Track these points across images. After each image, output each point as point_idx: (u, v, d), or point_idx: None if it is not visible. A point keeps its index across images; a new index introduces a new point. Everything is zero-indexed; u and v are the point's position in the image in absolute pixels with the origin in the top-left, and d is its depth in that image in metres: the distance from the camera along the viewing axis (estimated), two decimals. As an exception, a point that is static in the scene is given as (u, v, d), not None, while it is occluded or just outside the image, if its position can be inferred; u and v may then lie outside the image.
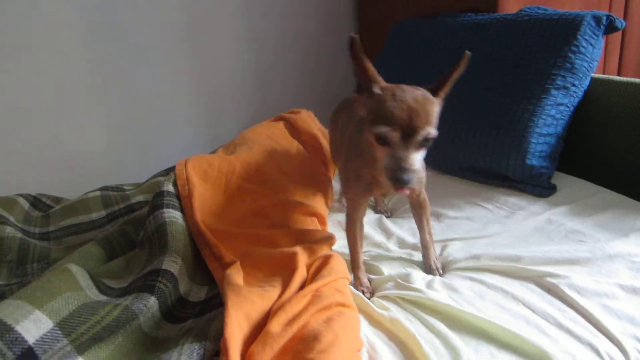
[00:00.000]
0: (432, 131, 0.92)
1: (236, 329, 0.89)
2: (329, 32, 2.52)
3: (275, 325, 0.88)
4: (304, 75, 2.50)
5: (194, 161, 1.47)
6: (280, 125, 1.83)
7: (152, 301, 0.97)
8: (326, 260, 1.08)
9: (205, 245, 1.18)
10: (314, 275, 1.04)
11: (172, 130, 2.20)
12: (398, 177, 0.90)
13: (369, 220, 1.44)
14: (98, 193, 1.57)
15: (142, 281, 1.03)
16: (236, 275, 1.04)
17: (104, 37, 1.95)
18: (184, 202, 1.30)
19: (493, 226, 1.34)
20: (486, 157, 1.54)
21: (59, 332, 0.86)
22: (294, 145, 1.76)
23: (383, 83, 0.97)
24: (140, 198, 1.55)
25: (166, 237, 1.13)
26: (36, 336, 0.84)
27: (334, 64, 2.53)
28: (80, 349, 0.87)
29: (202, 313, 1.03)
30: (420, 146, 0.94)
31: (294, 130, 1.83)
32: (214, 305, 1.06)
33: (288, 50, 2.43)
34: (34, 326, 0.84)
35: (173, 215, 1.21)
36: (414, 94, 0.94)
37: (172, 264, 1.06)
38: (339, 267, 1.07)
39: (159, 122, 2.16)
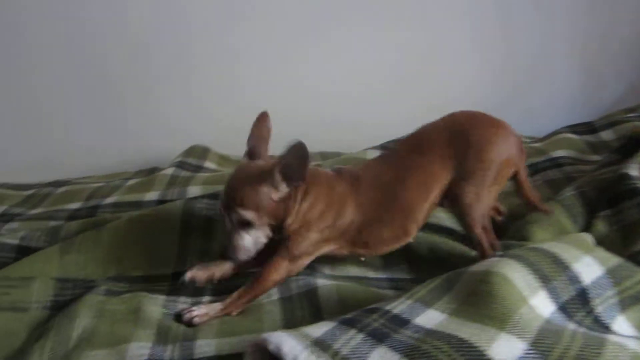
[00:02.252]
0: (244, 213, 0.95)
1: None
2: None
3: None
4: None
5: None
6: None
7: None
8: None
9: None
10: None
11: (549, 97, 2.09)
12: (224, 253, 1.01)
13: None
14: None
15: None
16: None
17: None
18: None
19: None
20: None
21: (610, 279, 0.85)
22: None
23: (262, 156, 1.04)
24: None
25: None
26: (591, 278, 0.83)
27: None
28: (623, 305, 0.86)
29: None
30: (240, 227, 0.97)
31: None
32: None
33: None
34: (587, 269, 0.85)
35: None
36: (240, 173, 1.00)
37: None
38: None
39: (540, 89, 2.06)
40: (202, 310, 0.99)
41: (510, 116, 1.84)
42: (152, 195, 1.50)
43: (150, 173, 1.69)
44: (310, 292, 1.06)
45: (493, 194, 1.10)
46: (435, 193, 1.09)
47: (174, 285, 1.11)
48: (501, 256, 0.89)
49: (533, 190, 1.16)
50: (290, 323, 0.97)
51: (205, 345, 0.91)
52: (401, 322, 0.78)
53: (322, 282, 1.08)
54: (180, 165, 1.70)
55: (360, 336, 0.75)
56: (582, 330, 0.78)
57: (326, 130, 1.84)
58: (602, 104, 2.09)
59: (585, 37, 2.06)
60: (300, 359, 0.72)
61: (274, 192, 0.97)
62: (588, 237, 1.01)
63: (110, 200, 1.49)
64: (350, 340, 0.75)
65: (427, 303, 0.83)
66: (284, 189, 0.97)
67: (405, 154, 1.12)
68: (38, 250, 1.17)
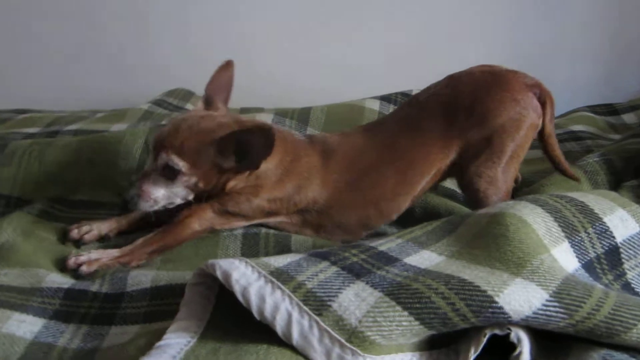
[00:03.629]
0: (176, 161, 0.78)
1: None
2: None
3: None
4: None
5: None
6: None
7: None
8: None
9: None
10: None
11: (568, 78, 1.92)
12: (125, 194, 0.83)
13: None
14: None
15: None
16: None
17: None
18: None
19: None
20: None
21: (647, 239, 0.67)
22: None
23: (219, 106, 0.90)
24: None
25: None
26: (624, 235, 0.66)
27: None
28: None
29: None
30: (163, 175, 0.80)
31: None
32: None
33: None
34: (620, 224, 0.68)
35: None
36: (193, 119, 0.82)
37: None
38: None
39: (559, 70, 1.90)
40: (93, 255, 0.80)
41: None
42: (119, 127, 1.32)
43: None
44: (281, 236, 0.89)
45: (512, 172, 0.91)
46: (422, 185, 0.90)
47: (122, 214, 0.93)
48: (518, 199, 0.72)
49: (560, 150, 0.97)
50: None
51: (140, 275, 0.74)
52: (387, 259, 0.62)
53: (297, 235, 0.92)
54: (159, 103, 1.53)
55: (333, 269, 0.59)
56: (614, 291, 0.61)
57: (322, 97, 1.68)
58: (623, 89, 1.92)
59: (606, 18, 1.89)
60: (251, 290, 0.55)
61: (221, 160, 0.81)
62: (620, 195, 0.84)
63: (72, 127, 1.32)
64: (320, 273, 0.58)
65: (423, 244, 0.66)
66: (230, 164, 0.81)
67: (396, 130, 0.92)
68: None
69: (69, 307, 0.69)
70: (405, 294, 0.54)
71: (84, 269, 0.77)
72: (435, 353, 0.56)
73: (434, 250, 0.65)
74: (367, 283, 0.56)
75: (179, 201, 0.84)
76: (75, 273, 0.77)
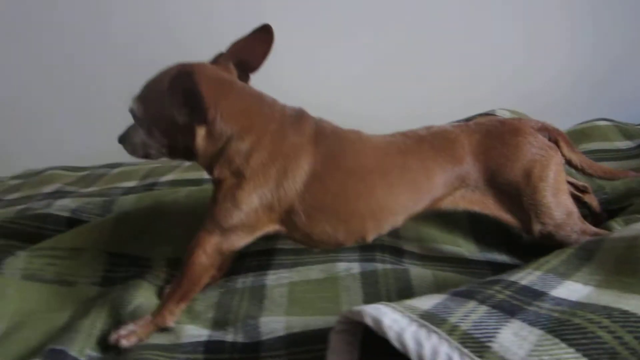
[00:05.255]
0: (132, 104, 0.78)
1: None
2: None
3: None
4: None
5: None
6: None
7: None
8: None
9: None
10: None
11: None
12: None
13: None
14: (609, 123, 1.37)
15: None
16: None
17: None
18: None
19: None
20: None
21: None
22: None
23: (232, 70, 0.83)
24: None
25: None
26: None
27: None
28: None
29: None
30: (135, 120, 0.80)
31: None
32: None
33: None
34: None
35: None
36: (173, 66, 0.78)
37: None
38: None
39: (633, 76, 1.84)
40: (130, 327, 0.76)
41: (602, 105, 1.69)
42: (212, 174, 1.37)
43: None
44: (399, 271, 0.90)
45: (567, 203, 0.84)
46: (422, 205, 0.84)
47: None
48: (653, 219, 0.70)
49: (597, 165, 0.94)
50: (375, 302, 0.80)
51: (270, 322, 0.75)
52: (534, 294, 0.61)
53: (414, 267, 0.92)
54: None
55: (483, 309, 0.59)
56: None
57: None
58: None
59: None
60: (406, 335, 0.55)
61: (175, 113, 0.74)
62: None
63: (167, 178, 1.38)
64: (471, 313, 0.58)
65: (563, 274, 0.65)
66: (183, 118, 0.74)
67: (402, 149, 0.84)
68: (89, 223, 1.06)
69: (214, 360, 0.71)
70: (568, 330, 0.53)
71: (124, 342, 0.75)
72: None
73: (577, 280, 0.63)
74: (523, 321, 0.55)
75: (154, 153, 0.82)
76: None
